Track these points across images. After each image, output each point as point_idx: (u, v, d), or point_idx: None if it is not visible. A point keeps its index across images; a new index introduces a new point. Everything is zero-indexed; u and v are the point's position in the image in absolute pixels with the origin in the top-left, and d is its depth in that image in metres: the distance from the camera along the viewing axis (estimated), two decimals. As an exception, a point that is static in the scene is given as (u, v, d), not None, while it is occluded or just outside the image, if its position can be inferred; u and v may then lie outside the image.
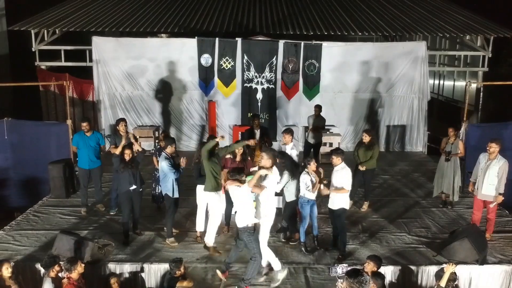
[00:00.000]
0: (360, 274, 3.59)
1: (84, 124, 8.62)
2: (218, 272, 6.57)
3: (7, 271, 6.26)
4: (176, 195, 7.47)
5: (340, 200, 7.17)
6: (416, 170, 11.86)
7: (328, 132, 12.67)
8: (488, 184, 7.71)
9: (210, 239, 7.35)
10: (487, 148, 7.80)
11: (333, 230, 7.56)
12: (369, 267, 5.96)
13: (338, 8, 16.38)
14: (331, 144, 12.51)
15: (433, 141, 13.72)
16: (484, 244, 7.26)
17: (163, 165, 7.39)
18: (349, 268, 4.00)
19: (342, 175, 7.10)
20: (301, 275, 6.73)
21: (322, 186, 7.23)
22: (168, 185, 7.44)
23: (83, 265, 6.22)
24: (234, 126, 13.13)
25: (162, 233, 7.90)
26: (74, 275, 6.10)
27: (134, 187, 7.55)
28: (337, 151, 7.29)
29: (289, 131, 8.43)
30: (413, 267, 6.99)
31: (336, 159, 7.16)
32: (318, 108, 11.40)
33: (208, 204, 7.38)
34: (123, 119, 8.76)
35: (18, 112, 14.58)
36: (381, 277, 5.82)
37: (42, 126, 11.41)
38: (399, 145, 13.76)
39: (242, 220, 6.25)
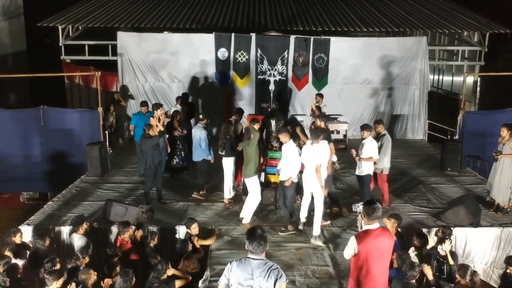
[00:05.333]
0: (373, 203, 4.66)
1: (143, 108, 10.53)
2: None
3: (19, 239, 7.12)
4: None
5: (366, 168, 8.29)
6: (418, 155, 12.86)
7: (335, 121, 13.69)
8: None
9: (246, 218, 8.12)
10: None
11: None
12: (390, 223, 6.91)
13: (343, 5, 17.42)
14: (338, 132, 13.50)
15: (433, 129, 14.82)
16: (478, 210, 8.28)
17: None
18: None
19: (370, 146, 8.19)
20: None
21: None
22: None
23: (133, 227, 7.28)
24: (248, 115, 14.10)
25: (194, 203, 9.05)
26: (126, 236, 7.16)
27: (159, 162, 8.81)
28: (367, 126, 8.40)
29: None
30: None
31: (366, 133, 8.28)
32: (320, 97, 12.43)
33: (250, 187, 8.09)
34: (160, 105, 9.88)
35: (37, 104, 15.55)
36: (425, 237, 6.77)
37: (75, 113, 12.38)
38: (401, 133, 14.74)
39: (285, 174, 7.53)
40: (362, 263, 4.64)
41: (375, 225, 4.64)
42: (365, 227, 4.66)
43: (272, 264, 4.22)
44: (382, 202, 8.78)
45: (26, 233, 7.60)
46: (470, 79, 17.73)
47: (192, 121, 12.09)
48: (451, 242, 6.67)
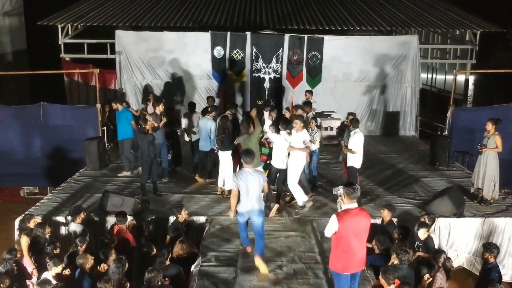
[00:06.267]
0: (353, 184, 5.02)
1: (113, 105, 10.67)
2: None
3: (34, 223, 7.45)
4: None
5: (352, 160, 8.54)
6: (409, 150, 13.16)
7: (329, 117, 14.03)
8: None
9: None
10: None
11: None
12: (384, 214, 7.35)
13: (338, 5, 17.74)
14: (331, 128, 13.82)
15: (425, 126, 15.15)
16: (462, 201, 8.60)
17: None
18: None
19: (356, 139, 8.45)
20: (309, 225, 8.06)
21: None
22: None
23: (129, 217, 7.62)
24: (244, 111, 14.44)
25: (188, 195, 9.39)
26: (122, 225, 7.48)
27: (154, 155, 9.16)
28: (354, 120, 8.67)
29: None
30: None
31: (352, 126, 8.56)
32: (309, 93, 12.72)
33: None
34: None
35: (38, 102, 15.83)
36: (406, 230, 7.07)
37: (74, 110, 12.69)
38: (393, 129, 15.01)
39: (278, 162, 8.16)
40: (342, 239, 5.09)
41: (354, 204, 5.10)
42: (344, 207, 5.11)
43: (259, 170, 6.89)
44: None
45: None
46: (462, 78, 18.09)
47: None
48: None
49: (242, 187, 6.48)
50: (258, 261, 6.43)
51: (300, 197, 8.38)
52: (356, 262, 5.22)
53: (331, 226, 5.11)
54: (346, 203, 5.09)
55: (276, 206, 8.46)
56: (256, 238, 6.57)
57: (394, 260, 6.15)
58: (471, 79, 22.41)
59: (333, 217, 5.10)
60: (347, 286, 5.33)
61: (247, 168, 6.52)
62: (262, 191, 6.66)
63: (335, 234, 5.12)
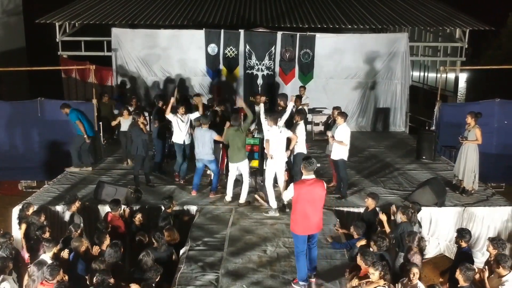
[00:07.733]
0: (310, 158, 5.83)
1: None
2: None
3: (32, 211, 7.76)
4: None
5: (340, 152, 8.84)
6: (398, 146, 13.45)
7: (321, 113, 14.36)
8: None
9: (243, 198, 8.78)
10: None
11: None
12: (369, 202, 7.72)
13: (331, 3, 18.05)
14: (323, 124, 14.14)
15: (416, 122, 15.47)
16: (443, 191, 8.92)
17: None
18: None
19: (343, 132, 8.76)
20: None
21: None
22: None
23: (123, 206, 7.96)
24: (233, 108, 14.75)
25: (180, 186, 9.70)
26: (116, 213, 7.81)
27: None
28: (342, 113, 8.98)
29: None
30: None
31: (340, 119, 8.87)
32: (303, 88, 13.29)
33: (242, 170, 8.70)
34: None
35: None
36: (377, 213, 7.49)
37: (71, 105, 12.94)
38: (383, 125, 15.34)
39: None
40: (298, 204, 5.88)
41: (311, 176, 5.83)
42: (303, 177, 5.86)
43: (211, 130, 8.84)
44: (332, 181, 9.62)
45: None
46: (453, 76, 18.40)
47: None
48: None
49: (199, 142, 8.80)
50: (212, 196, 8.99)
51: (271, 200, 8.47)
52: (311, 225, 5.95)
53: (289, 193, 5.91)
54: (304, 175, 5.82)
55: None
56: (213, 177, 9.14)
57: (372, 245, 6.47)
58: (464, 77, 22.79)
59: (291, 185, 5.86)
60: (305, 246, 6.05)
61: (203, 128, 8.82)
62: None
63: (293, 200, 5.85)
